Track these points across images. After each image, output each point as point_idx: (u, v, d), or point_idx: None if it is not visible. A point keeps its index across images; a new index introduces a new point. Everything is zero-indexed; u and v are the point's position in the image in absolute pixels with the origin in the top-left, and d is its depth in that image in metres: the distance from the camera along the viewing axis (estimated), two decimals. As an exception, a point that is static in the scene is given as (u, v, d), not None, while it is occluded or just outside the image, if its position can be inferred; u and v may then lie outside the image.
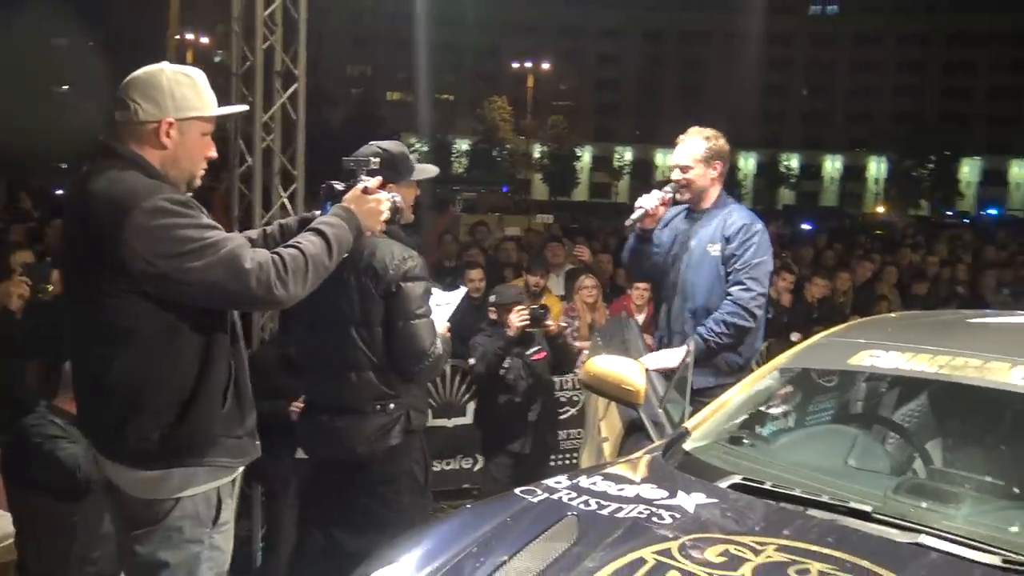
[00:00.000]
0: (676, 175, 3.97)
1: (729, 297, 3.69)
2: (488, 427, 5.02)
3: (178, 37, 20.24)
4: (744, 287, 3.66)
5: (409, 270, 2.94)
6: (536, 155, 62.91)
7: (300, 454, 3.95)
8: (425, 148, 49.08)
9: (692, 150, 3.91)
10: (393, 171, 2.94)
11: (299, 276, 2.24)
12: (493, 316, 4.94)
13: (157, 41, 17.98)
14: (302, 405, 3.54)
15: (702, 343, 3.62)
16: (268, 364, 4.02)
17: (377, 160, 2.81)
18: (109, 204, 2.11)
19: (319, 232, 2.37)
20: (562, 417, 6.37)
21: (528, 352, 4.78)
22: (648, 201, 3.94)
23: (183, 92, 2.24)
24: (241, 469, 2.36)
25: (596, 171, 70.77)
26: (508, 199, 24.70)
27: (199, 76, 2.30)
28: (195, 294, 2.14)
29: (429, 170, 3.20)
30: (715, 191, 3.90)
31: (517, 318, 4.57)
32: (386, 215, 2.62)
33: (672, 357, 3.58)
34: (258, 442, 2.37)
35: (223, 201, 5.25)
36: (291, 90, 4.83)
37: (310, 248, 2.30)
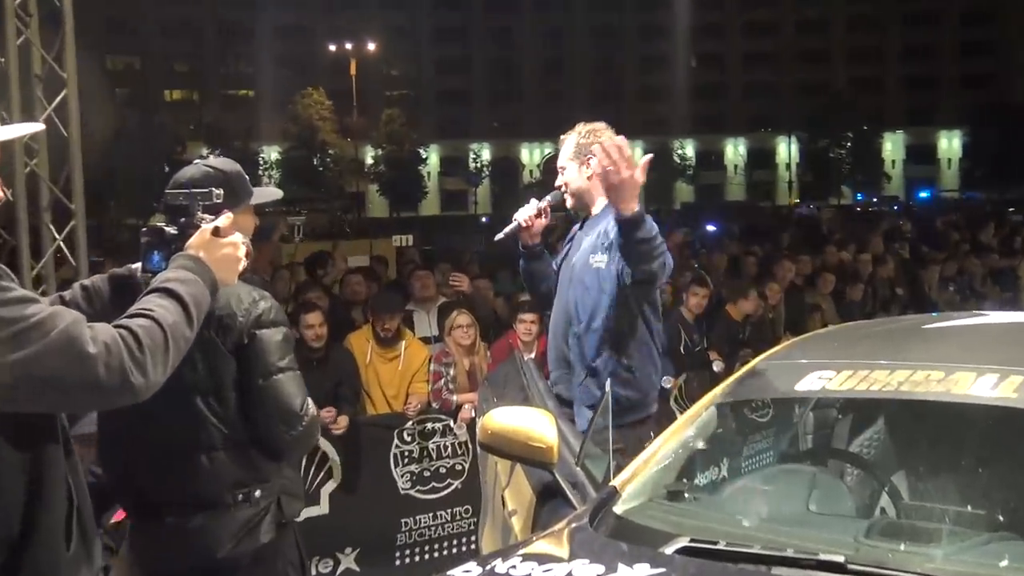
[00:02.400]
0: (558, 180, 4.27)
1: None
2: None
3: None
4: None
5: (263, 314, 2.97)
6: (369, 161, 62.93)
7: None
8: (222, 160, 48.30)
9: (565, 148, 4.26)
10: (230, 195, 2.95)
11: (158, 355, 2.11)
12: None
13: None
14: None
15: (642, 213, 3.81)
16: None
17: (220, 192, 2.82)
18: None
19: (170, 293, 2.26)
20: (443, 493, 6.44)
21: None
22: (523, 212, 4.22)
23: None
24: None
25: (447, 176, 71.46)
26: (339, 219, 24.69)
27: None
28: (20, 396, 1.96)
29: (271, 193, 3.25)
30: (600, 193, 4.12)
31: None
32: (244, 262, 2.61)
33: None
34: None
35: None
36: (59, 98, 4.73)
37: (166, 316, 2.18)
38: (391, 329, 6.61)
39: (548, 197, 4.27)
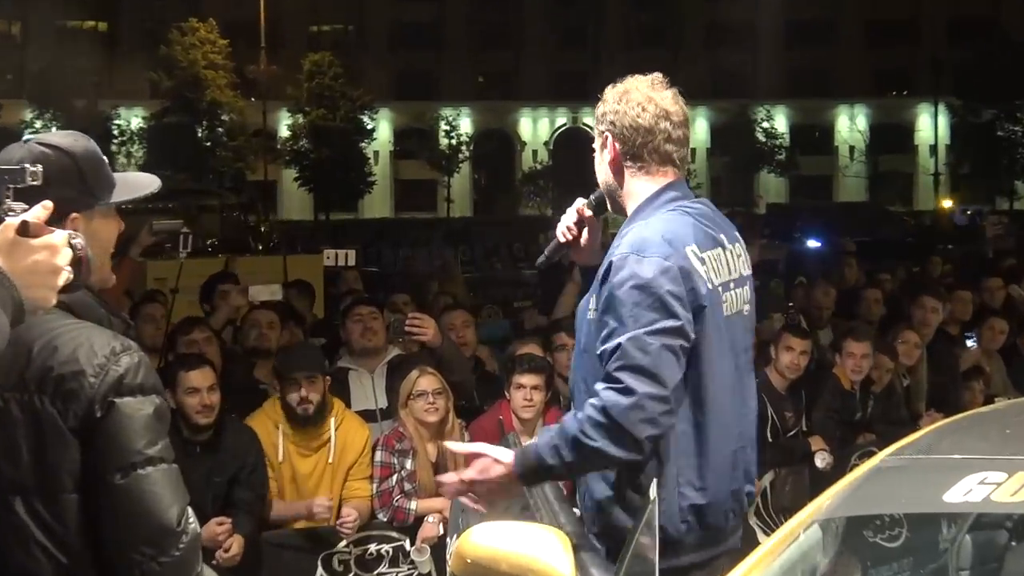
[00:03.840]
0: None
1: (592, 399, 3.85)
2: None
3: None
4: (610, 384, 3.77)
5: (126, 374, 2.99)
6: (284, 132, 63.00)
7: None
8: (56, 128, 48.24)
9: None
10: (74, 187, 2.99)
11: None
12: None
13: None
14: None
15: (530, 457, 3.83)
16: None
17: (38, 169, 2.84)
18: None
19: None
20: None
21: None
22: (563, 221, 4.31)
23: None
24: None
25: (405, 158, 71.46)
26: (239, 223, 24.72)
27: None
28: None
29: (143, 183, 3.28)
30: (634, 190, 4.16)
31: None
32: (66, 274, 2.64)
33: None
34: None
35: None
36: None
37: None
38: (311, 402, 6.59)
39: (593, 195, 4.34)
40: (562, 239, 4.33)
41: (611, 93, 4.16)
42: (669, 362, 3.71)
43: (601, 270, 3.94)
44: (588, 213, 4.30)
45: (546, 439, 3.81)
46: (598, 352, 3.84)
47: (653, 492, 3.49)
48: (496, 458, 3.85)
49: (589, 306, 4.03)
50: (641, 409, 3.63)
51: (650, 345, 3.69)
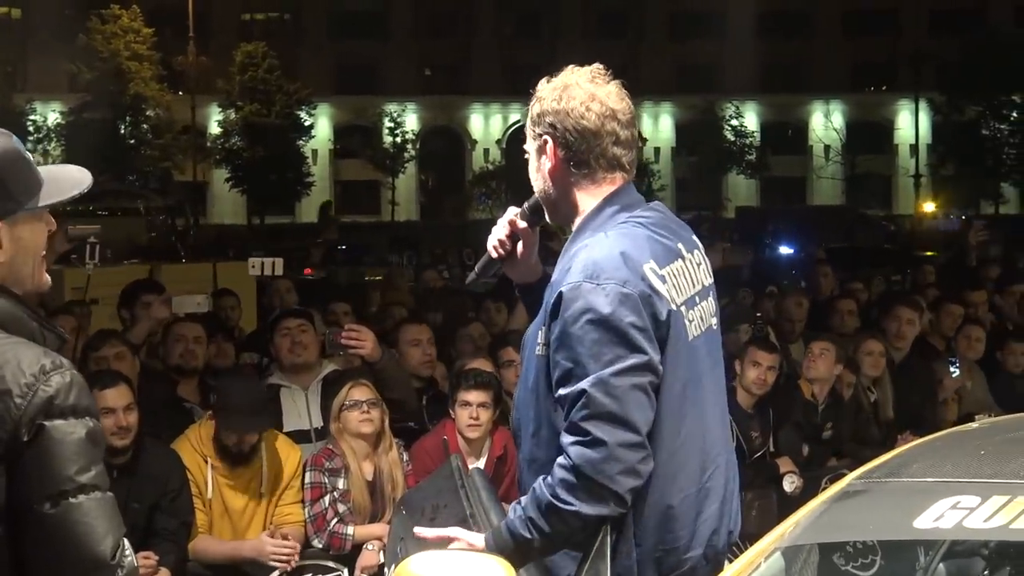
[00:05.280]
0: None
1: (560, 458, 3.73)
2: None
3: None
4: (578, 436, 3.65)
5: (57, 394, 2.98)
6: (215, 129, 62.70)
7: None
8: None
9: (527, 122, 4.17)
10: None
11: None
12: None
13: None
14: None
15: (503, 536, 3.74)
16: None
17: None
18: None
19: None
20: None
21: None
22: (495, 232, 4.20)
23: None
24: None
25: (344, 157, 71.21)
26: (165, 226, 24.63)
27: None
28: None
29: (72, 181, 3.24)
30: (578, 200, 4.04)
31: None
32: None
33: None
34: None
35: None
36: None
37: None
38: (250, 443, 6.59)
39: (527, 203, 4.19)
40: (494, 254, 4.19)
41: (547, 90, 3.99)
42: (639, 403, 3.60)
43: (549, 300, 3.79)
44: (522, 224, 4.15)
45: (517, 513, 3.68)
46: (556, 396, 3.72)
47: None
48: (469, 542, 3.75)
49: (537, 340, 3.88)
50: (616, 461, 3.53)
51: (616, 387, 3.56)
